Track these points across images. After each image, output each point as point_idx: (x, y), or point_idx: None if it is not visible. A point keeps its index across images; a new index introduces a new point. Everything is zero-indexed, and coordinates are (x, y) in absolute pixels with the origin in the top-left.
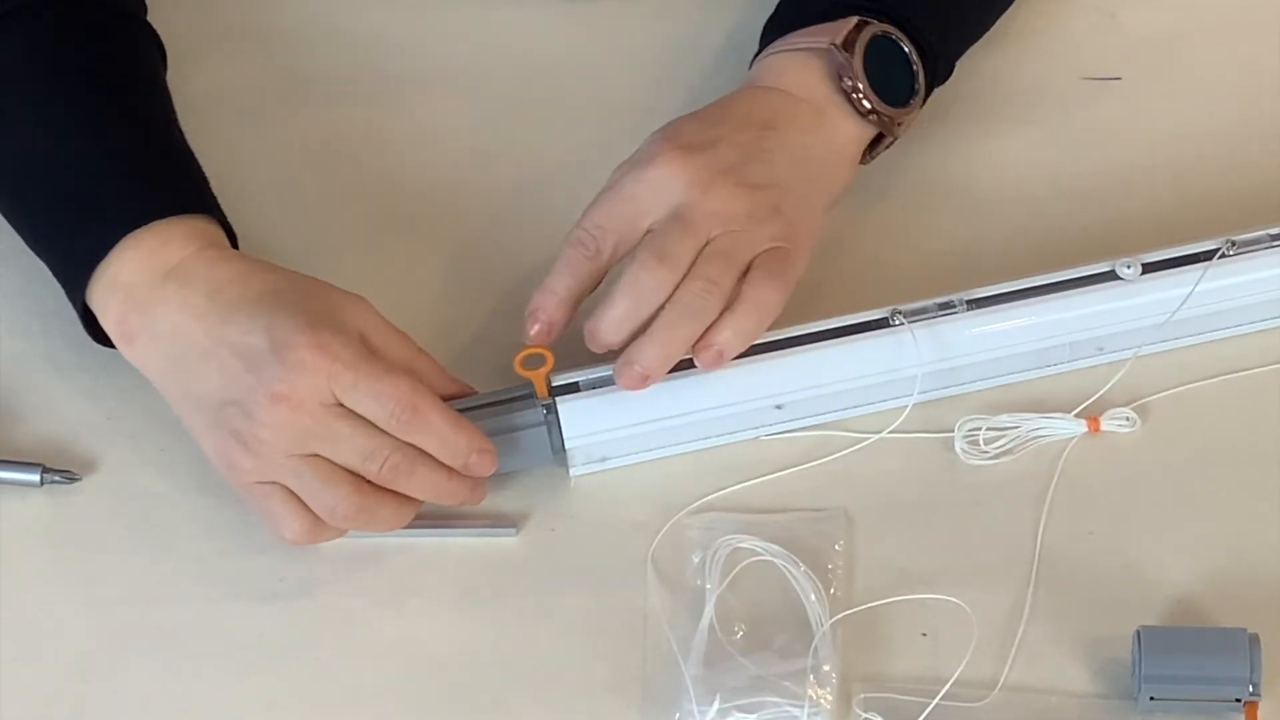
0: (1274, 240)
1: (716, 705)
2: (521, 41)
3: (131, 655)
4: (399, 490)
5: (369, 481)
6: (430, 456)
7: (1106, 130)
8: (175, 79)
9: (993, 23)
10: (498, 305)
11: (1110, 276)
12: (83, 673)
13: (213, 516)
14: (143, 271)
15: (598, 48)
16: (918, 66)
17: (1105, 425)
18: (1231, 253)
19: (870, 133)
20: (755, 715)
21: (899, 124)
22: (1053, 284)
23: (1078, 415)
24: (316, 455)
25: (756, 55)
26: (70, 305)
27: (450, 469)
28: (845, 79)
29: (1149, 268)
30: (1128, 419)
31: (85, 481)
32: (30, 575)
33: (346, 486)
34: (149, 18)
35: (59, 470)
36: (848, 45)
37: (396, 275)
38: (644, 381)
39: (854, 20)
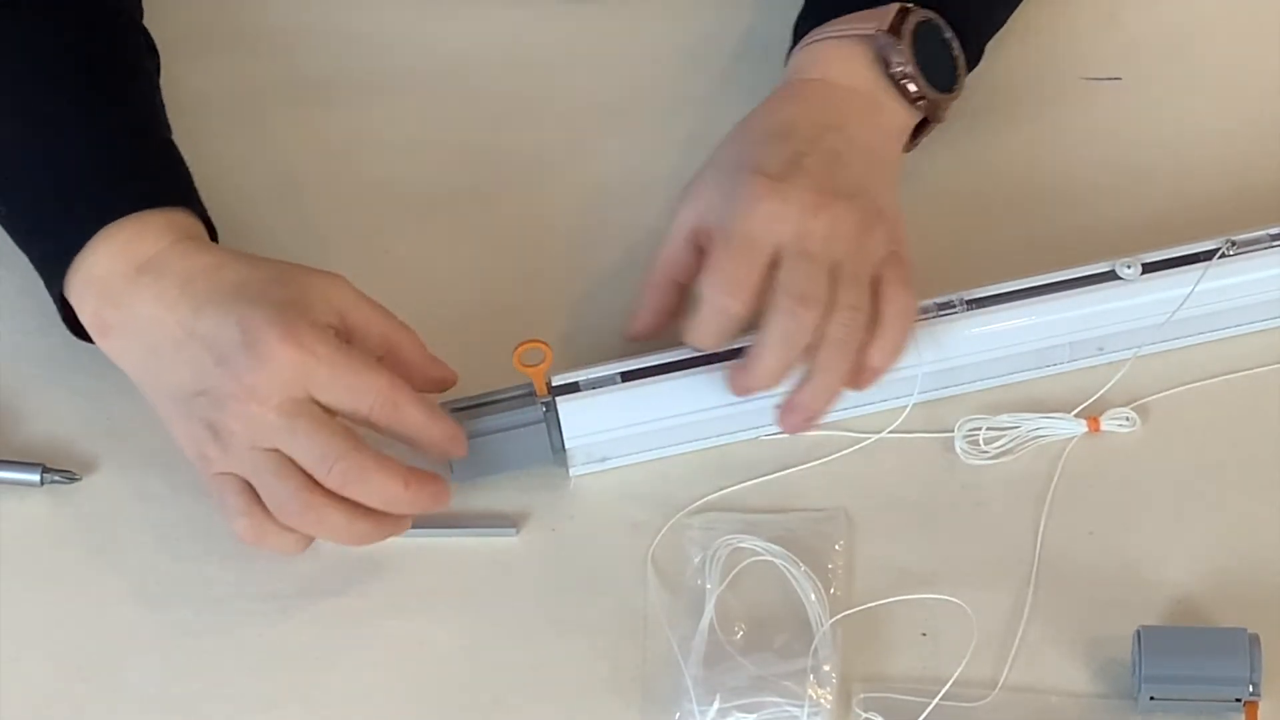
0: (1274, 240)
1: (716, 705)
2: (520, 41)
3: (131, 655)
4: (352, 497)
5: (322, 487)
6: (386, 468)
7: (1106, 130)
8: (173, 79)
9: (1015, 8)
10: (497, 305)
11: (1110, 276)
12: (83, 673)
13: (213, 516)
14: (117, 264)
15: (598, 48)
16: (958, 52)
17: (1105, 425)
18: (1231, 253)
19: (914, 119)
20: (755, 715)
21: (944, 109)
22: (1053, 284)
23: (1078, 415)
24: (276, 450)
25: (794, 46)
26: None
27: (406, 480)
28: (895, 66)
29: (1149, 268)
30: (1128, 419)
31: (85, 481)
32: (30, 575)
33: (296, 482)
34: (147, 19)
35: (59, 470)
36: (894, 31)
37: (394, 274)
38: (811, 424)
39: (896, 6)
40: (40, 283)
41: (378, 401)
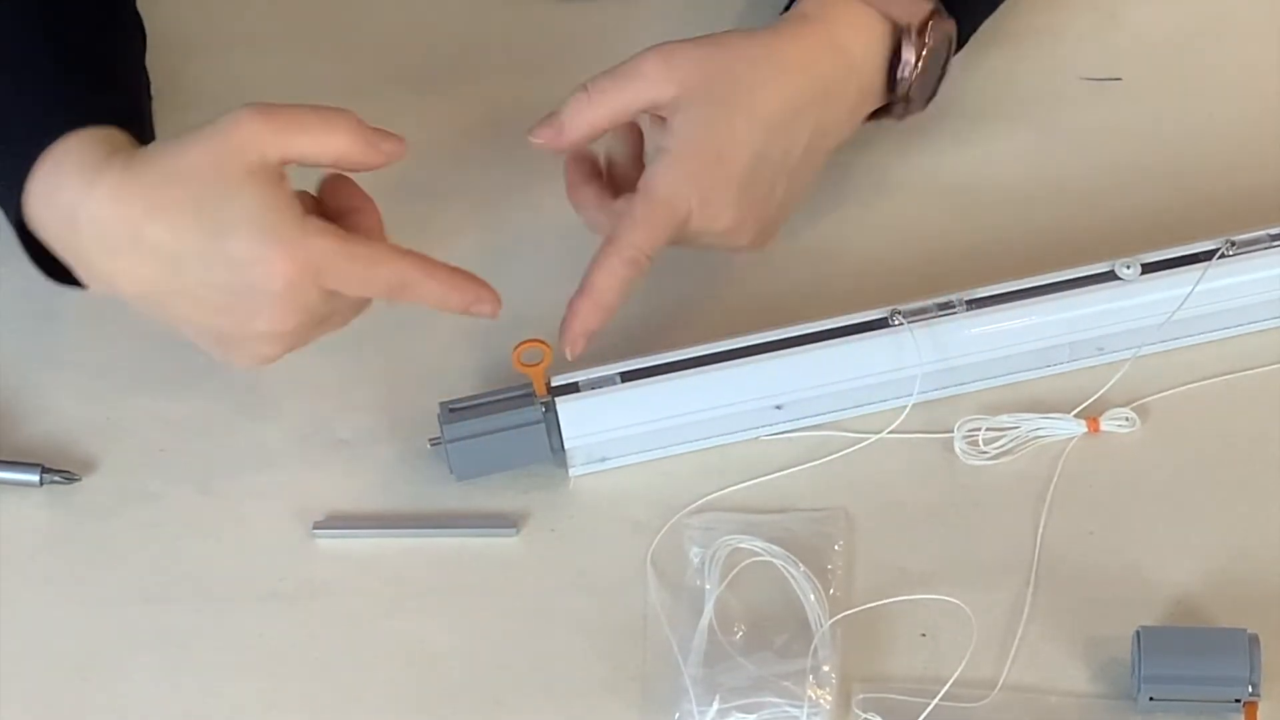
0: (1274, 240)
1: (716, 705)
2: (521, 41)
3: (131, 655)
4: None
5: None
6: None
7: (1106, 130)
8: (175, 77)
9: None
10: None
11: (1110, 277)
12: (83, 673)
13: (213, 516)
14: (54, 218)
15: (598, 48)
16: (947, 72)
17: (1105, 425)
18: (1231, 253)
19: (877, 105)
20: (755, 715)
21: (907, 116)
22: (1052, 284)
23: (1077, 415)
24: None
25: None
26: (73, 305)
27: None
28: (903, 69)
29: (1148, 268)
30: (1127, 419)
31: (85, 481)
32: (30, 575)
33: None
34: (148, 18)
35: (59, 470)
36: (920, 33)
37: None
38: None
39: (929, 7)
40: (40, 283)
41: (393, 286)
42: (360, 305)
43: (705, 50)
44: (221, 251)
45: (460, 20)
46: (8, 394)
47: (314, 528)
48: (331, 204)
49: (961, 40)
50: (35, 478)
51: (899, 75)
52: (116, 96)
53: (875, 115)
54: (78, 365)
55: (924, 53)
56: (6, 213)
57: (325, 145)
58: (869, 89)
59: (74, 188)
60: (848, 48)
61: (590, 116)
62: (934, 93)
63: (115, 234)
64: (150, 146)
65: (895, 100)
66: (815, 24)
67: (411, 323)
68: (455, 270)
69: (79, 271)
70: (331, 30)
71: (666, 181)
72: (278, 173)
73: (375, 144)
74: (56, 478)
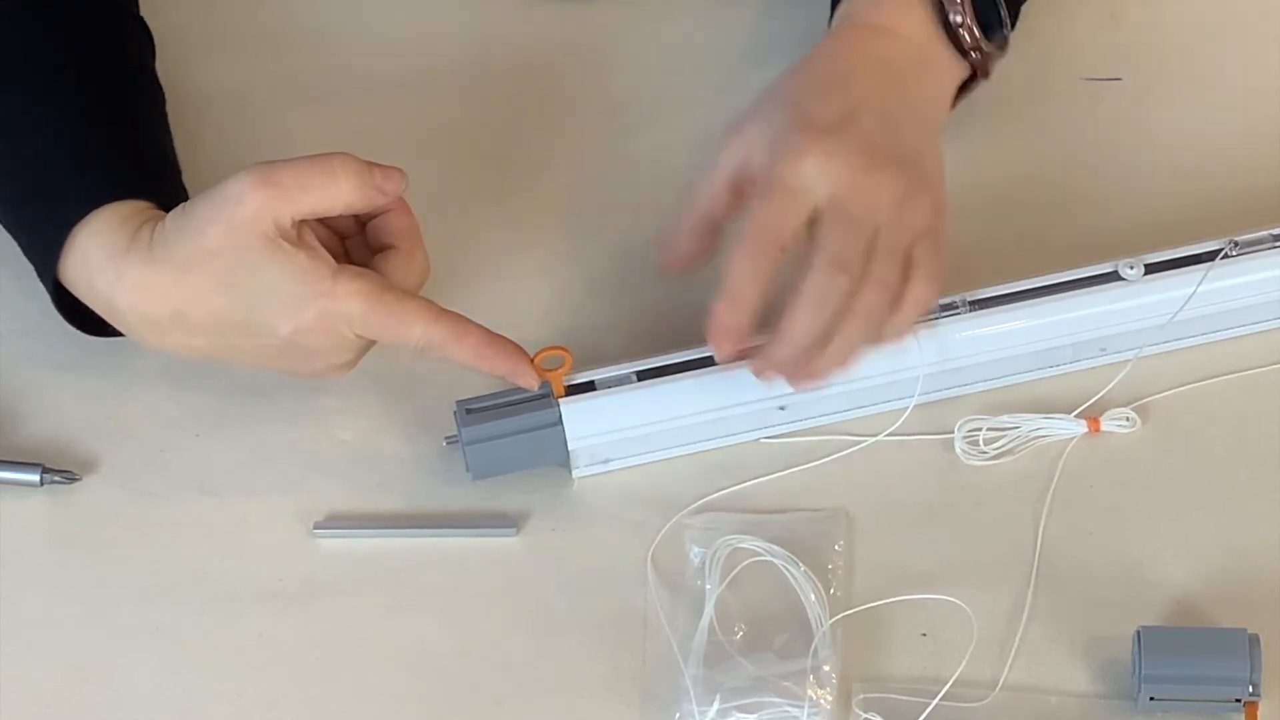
0: (1276, 241)
1: (716, 705)
2: (522, 41)
3: (131, 655)
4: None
5: None
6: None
7: (1106, 130)
8: (178, 77)
9: None
10: (500, 305)
11: (1113, 277)
12: (83, 673)
13: (213, 516)
14: (88, 288)
15: (598, 48)
16: (1004, 9)
17: (1105, 425)
18: (1234, 253)
19: (964, 73)
20: (755, 715)
21: (993, 63)
22: (1055, 285)
23: (1078, 415)
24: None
25: None
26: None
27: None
28: (953, 14)
29: (1151, 268)
30: (1128, 419)
31: (85, 481)
32: (30, 575)
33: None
34: (152, 18)
35: (59, 470)
36: None
37: None
38: (820, 385)
39: None
40: (39, 284)
41: (422, 346)
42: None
43: (758, 98)
44: (261, 322)
45: (460, 20)
46: (8, 394)
47: (314, 528)
48: (374, 241)
49: None
50: (35, 478)
51: (954, 24)
52: (139, 152)
53: (968, 83)
54: (78, 365)
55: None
56: (43, 278)
57: (331, 197)
58: (932, 54)
59: (105, 279)
60: (889, 28)
61: (693, 220)
62: (1005, 36)
63: (157, 319)
64: (169, 226)
65: (967, 52)
66: (843, 29)
67: None
68: (488, 337)
69: (135, 338)
70: (331, 30)
71: (773, 163)
72: (294, 234)
73: (378, 186)
74: (57, 478)
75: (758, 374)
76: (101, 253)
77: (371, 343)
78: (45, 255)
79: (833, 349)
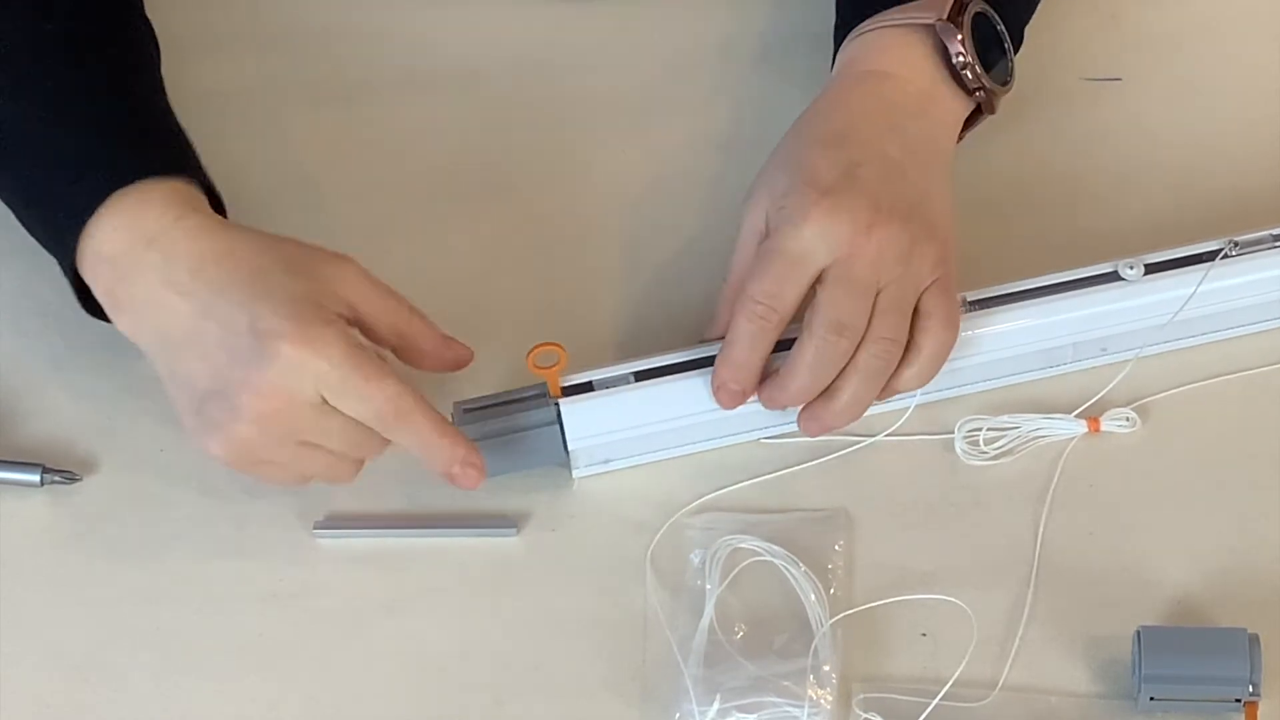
0: (1276, 241)
1: (716, 705)
2: (522, 41)
3: (131, 655)
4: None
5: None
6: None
7: (1106, 130)
8: (184, 77)
9: None
10: (501, 305)
11: (1113, 277)
12: (83, 673)
13: (213, 516)
14: (124, 240)
15: (598, 48)
16: (1009, 43)
17: (1105, 425)
18: (1234, 253)
19: (968, 110)
20: (755, 715)
21: (998, 100)
22: (1055, 285)
23: (1078, 415)
24: (305, 443)
25: (842, 34)
26: (73, 305)
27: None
28: (956, 56)
29: (1151, 268)
30: (1128, 419)
31: (85, 481)
32: (30, 575)
33: (343, 465)
34: (158, 18)
35: (59, 470)
36: (952, 20)
37: (398, 274)
38: (828, 432)
39: None
40: (40, 283)
41: (386, 409)
42: (349, 456)
43: (767, 161)
44: (251, 314)
45: (469, 20)
46: (8, 394)
47: (314, 528)
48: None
49: (1014, 11)
50: (36, 478)
51: (958, 68)
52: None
53: (974, 116)
54: (78, 365)
55: (966, 38)
56: (55, 227)
57: (395, 319)
58: (936, 95)
59: (160, 214)
60: (891, 72)
61: (732, 294)
62: (1009, 71)
63: (179, 267)
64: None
65: (972, 91)
66: (843, 78)
67: None
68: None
69: (107, 297)
70: (331, 30)
71: (776, 229)
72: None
73: (443, 354)
74: (57, 478)
75: (766, 408)
76: (163, 199)
77: (291, 444)
78: (74, 214)
79: (840, 405)
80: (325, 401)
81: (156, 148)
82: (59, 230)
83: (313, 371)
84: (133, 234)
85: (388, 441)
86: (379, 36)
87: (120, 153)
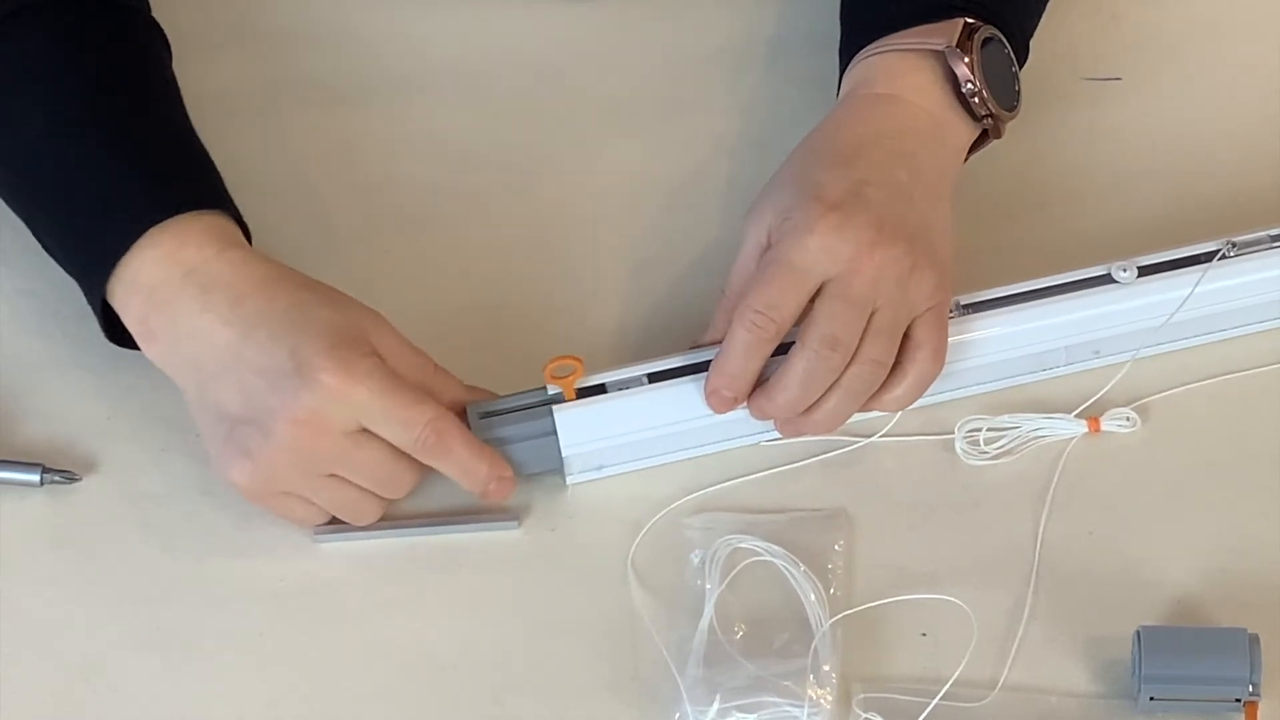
0: (1275, 241)
1: (716, 705)
2: (521, 41)
3: (131, 655)
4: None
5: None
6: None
7: (1106, 130)
8: (184, 78)
9: (1047, 3)
10: (502, 305)
11: (1106, 280)
12: (83, 673)
13: (213, 516)
14: (163, 271)
15: (598, 48)
16: (1017, 68)
17: (1105, 425)
18: (1232, 254)
19: (975, 135)
20: (755, 715)
21: (1004, 125)
22: (1047, 288)
23: (1078, 415)
24: (334, 475)
25: (848, 56)
26: (73, 305)
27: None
28: (966, 84)
29: (1145, 271)
30: (1128, 419)
31: (85, 481)
32: (30, 575)
33: (368, 502)
34: (160, 18)
35: (59, 470)
36: (962, 47)
37: (400, 275)
38: (801, 437)
39: (961, 22)
40: (42, 283)
41: (425, 434)
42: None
43: (772, 177)
44: (291, 344)
45: (462, 20)
46: (8, 394)
47: (314, 531)
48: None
49: (1021, 34)
50: (36, 478)
51: (967, 94)
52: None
53: (980, 140)
54: (78, 365)
55: (975, 65)
56: (88, 258)
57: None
58: (944, 121)
59: (200, 246)
60: (900, 96)
61: (730, 305)
62: (1016, 96)
63: (219, 298)
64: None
65: (980, 118)
66: (852, 98)
67: (416, 325)
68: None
69: (139, 325)
70: (331, 31)
71: (780, 239)
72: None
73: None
74: (57, 478)
75: (754, 418)
76: (204, 232)
77: (320, 471)
78: (109, 247)
79: (819, 415)
80: (362, 431)
81: (192, 181)
82: (92, 261)
83: (352, 401)
84: (170, 266)
85: (416, 480)
86: (379, 37)
87: (157, 186)
